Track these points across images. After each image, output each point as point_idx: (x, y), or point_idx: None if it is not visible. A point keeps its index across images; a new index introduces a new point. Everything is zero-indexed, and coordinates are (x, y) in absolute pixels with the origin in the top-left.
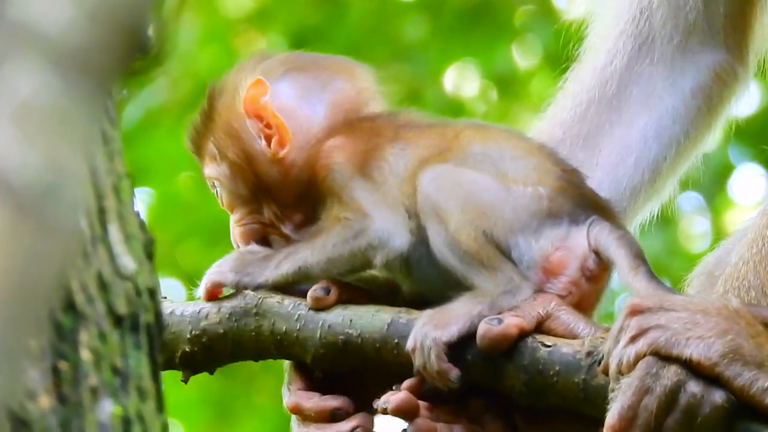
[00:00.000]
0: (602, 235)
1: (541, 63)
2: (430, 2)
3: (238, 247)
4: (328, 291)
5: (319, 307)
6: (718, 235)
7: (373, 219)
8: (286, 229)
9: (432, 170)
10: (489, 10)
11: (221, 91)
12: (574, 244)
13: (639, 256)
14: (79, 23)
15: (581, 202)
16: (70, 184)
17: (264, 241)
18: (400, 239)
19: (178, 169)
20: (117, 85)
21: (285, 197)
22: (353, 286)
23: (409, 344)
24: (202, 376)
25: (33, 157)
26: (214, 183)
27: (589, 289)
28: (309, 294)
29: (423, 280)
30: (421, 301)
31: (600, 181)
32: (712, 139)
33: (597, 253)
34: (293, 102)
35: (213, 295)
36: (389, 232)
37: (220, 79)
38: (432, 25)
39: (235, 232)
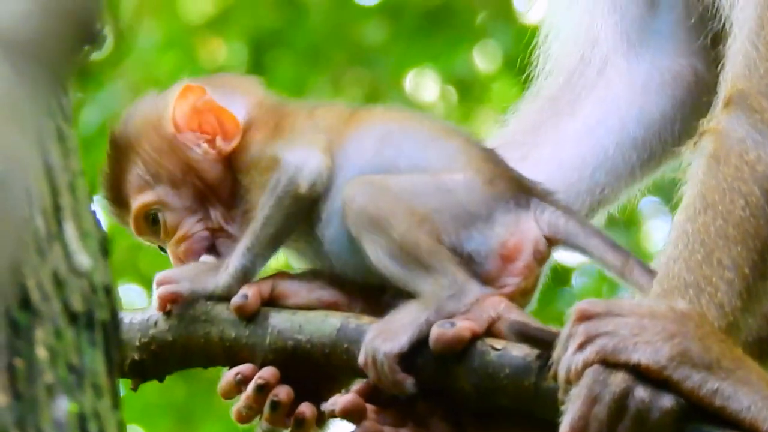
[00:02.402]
0: (558, 220)
1: (502, 67)
2: (390, 6)
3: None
4: (246, 297)
5: (244, 313)
6: None
7: (285, 158)
8: (232, 230)
9: (361, 182)
10: (449, 14)
11: (130, 128)
12: (525, 228)
13: (615, 246)
14: (31, 15)
15: (517, 185)
16: (22, 174)
17: (212, 250)
18: (314, 160)
19: None
20: (69, 77)
21: (226, 194)
22: (284, 277)
23: (361, 359)
24: (163, 382)
25: None
26: (150, 211)
27: (539, 271)
28: (231, 305)
29: (337, 258)
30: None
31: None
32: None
33: (549, 238)
34: (222, 101)
35: (168, 305)
36: (302, 157)
37: (118, 124)
38: (392, 29)
39: (181, 249)
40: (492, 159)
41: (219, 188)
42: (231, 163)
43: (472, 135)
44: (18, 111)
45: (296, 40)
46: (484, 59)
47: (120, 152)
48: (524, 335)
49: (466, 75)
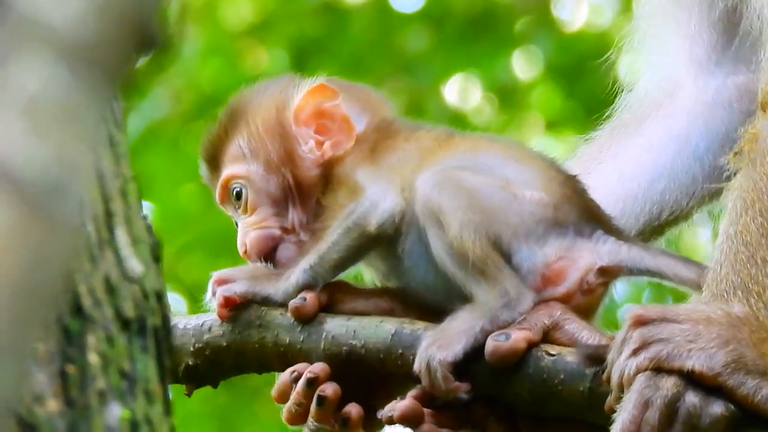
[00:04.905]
0: (621, 248)
1: (543, 74)
2: (431, 14)
3: (245, 251)
4: (305, 299)
5: (301, 316)
6: None
7: (367, 189)
8: (304, 237)
9: (432, 172)
10: (490, 21)
11: (254, 100)
12: (578, 255)
13: (687, 260)
14: (88, 18)
15: (585, 213)
16: (77, 180)
17: (274, 252)
18: (390, 201)
19: (180, 182)
20: (125, 81)
21: (311, 201)
22: (342, 284)
23: (416, 366)
24: (206, 390)
25: (41, 152)
26: (235, 183)
27: (583, 303)
28: (289, 308)
29: (414, 275)
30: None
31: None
32: None
33: (603, 269)
34: (348, 109)
35: (228, 312)
36: (381, 195)
37: (245, 92)
38: (434, 37)
39: (251, 236)
40: (569, 184)
41: (307, 192)
42: (325, 174)
43: (556, 160)
44: (75, 115)
45: (338, 47)
46: (525, 66)
47: (232, 119)
48: (595, 358)
49: (507, 82)
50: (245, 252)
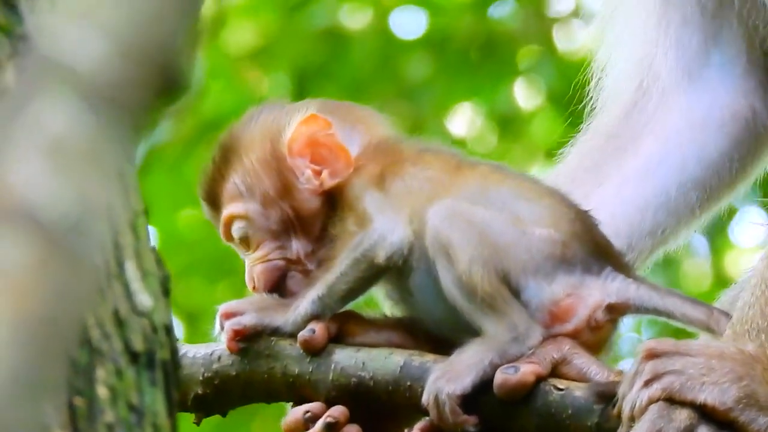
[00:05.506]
0: (629, 287)
1: (545, 103)
2: (433, 40)
3: (254, 286)
4: (314, 331)
5: (310, 348)
6: (718, 277)
7: (376, 220)
8: (311, 266)
9: (443, 206)
10: (492, 49)
11: (245, 133)
12: (586, 293)
13: (696, 301)
14: (111, 59)
15: (595, 250)
16: (98, 220)
17: (282, 281)
18: (399, 233)
19: (180, 206)
20: (146, 123)
21: (314, 230)
22: (352, 316)
23: (424, 399)
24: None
25: (64, 192)
26: (235, 223)
27: (591, 339)
28: (298, 340)
29: (424, 308)
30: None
31: (617, 216)
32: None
33: (611, 306)
34: (342, 135)
35: (237, 345)
36: (389, 227)
37: (236, 125)
38: (435, 64)
39: (256, 269)
40: (579, 220)
41: (309, 222)
42: (329, 200)
43: (567, 195)
44: (97, 156)
45: (339, 72)
46: (526, 95)
47: (226, 156)
48: (607, 395)
49: (508, 111)
50: (254, 287)
